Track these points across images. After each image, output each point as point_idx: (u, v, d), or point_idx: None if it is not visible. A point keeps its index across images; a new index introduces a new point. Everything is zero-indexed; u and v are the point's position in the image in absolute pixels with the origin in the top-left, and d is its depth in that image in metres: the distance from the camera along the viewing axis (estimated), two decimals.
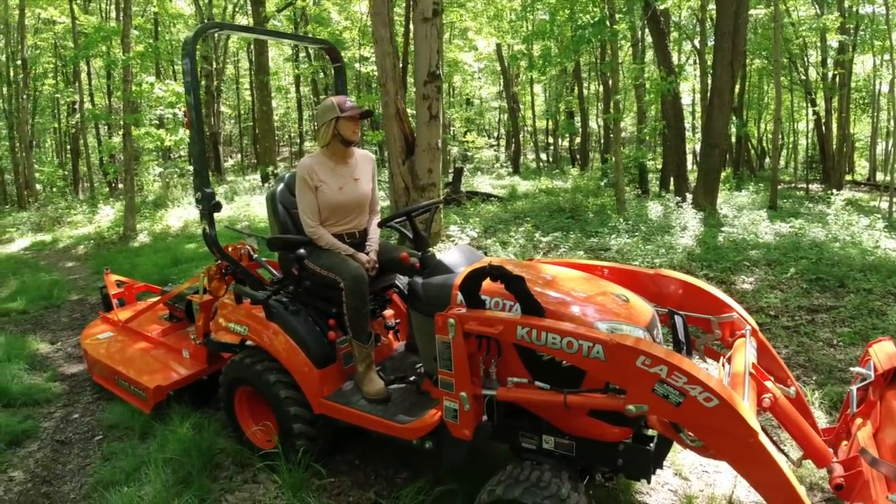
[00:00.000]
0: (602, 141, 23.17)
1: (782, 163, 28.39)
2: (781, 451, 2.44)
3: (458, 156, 23.07)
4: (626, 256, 7.08)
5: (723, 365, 2.60)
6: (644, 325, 2.41)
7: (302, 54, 23.98)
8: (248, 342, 3.45)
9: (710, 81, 11.90)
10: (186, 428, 3.57)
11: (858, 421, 2.68)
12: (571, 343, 2.13)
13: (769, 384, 2.48)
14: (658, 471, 3.13)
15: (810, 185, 18.55)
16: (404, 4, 14.21)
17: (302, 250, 3.17)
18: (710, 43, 13.39)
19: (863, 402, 2.74)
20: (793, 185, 20.69)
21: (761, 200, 12.82)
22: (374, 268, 3.24)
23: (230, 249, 3.87)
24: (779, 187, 17.85)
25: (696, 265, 6.79)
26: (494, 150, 27.99)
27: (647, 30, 14.44)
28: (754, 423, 1.99)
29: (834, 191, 12.52)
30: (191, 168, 19.71)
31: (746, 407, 2.06)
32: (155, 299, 5.15)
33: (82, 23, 17.90)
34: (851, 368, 3.08)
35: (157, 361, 4.27)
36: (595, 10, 11.55)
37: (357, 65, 21.07)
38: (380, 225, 3.30)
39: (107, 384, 4.49)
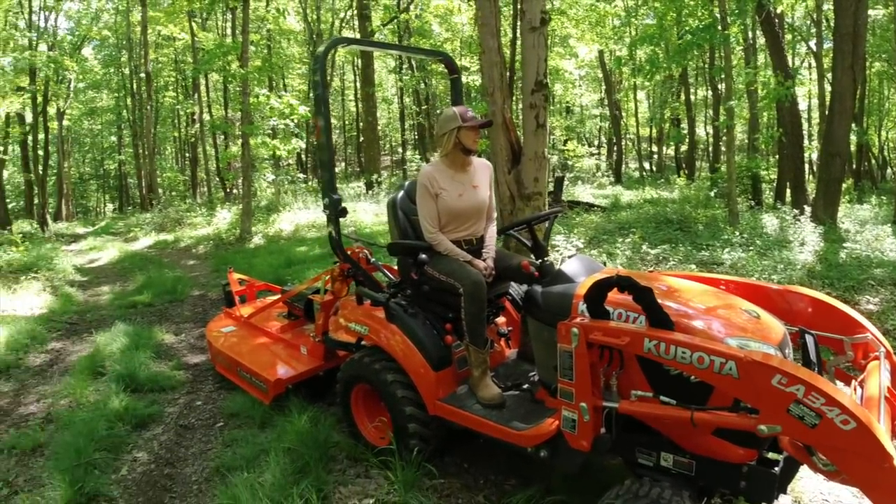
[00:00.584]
0: (710, 149, 22.19)
1: None
2: None
3: (557, 165, 22.83)
4: (740, 272, 6.76)
5: (855, 389, 2.45)
6: (776, 344, 2.31)
7: (405, 66, 24.59)
8: (365, 342, 3.60)
9: (828, 86, 11.15)
10: (304, 420, 3.74)
11: None
12: (702, 358, 2.07)
13: None
14: (780, 496, 2.98)
15: None
16: (511, 14, 14.28)
17: (423, 255, 3.28)
18: (827, 45, 12.53)
19: None
20: None
21: (884, 214, 11.84)
22: (491, 274, 3.29)
23: (349, 253, 4.05)
24: None
25: (817, 283, 6.37)
26: (595, 159, 27.45)
27: (759, 32, 13.71)
28: (890, 448, 1.87)
29: None
30: (300, 175, 20.79)
31: (882, 430, 1.93)
32: (274, 297, 5.46)
33: (200, 39, 19.33)
34: None
35: (277, 356, 4.52)
36: (704, 13, 11.11)
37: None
38: (500, 232, 3.35)
39: (229, 375, 4.79)
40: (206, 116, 23.86)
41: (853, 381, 2.56)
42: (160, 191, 24.20)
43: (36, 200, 23.39)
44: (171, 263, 11.43)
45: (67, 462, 3.56)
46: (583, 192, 16.97)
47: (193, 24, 20.47)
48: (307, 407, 4.00)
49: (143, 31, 20.75)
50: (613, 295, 2.44)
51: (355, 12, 21.10)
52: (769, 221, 9.61)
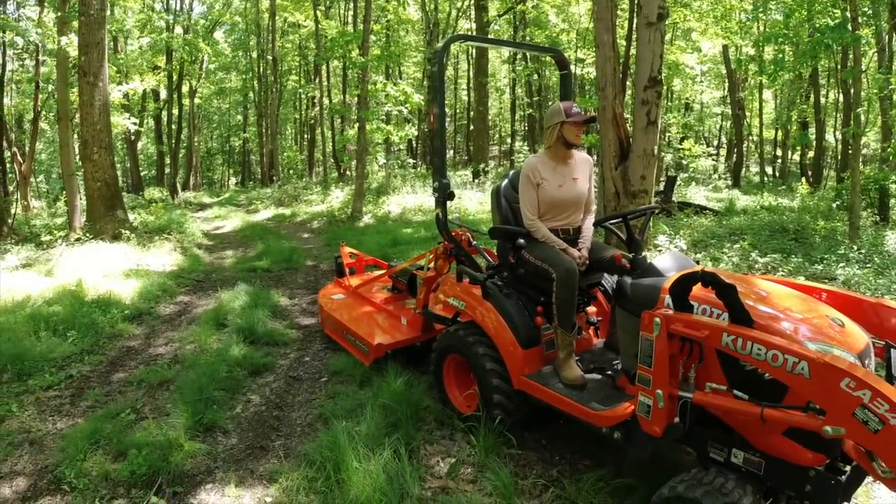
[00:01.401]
0: (839, 157, 20.65)
1: None
2: None
3: (671, 163, 22.09)
4: (853, 288, 6.44)
5: None
6: (856, 352, 2.35)
7: (519, 56, 24.62)
8: (461, 318, 3.89)
9: None
10: (399, 382, 4.10)
11: None
12: (776, 356, 2.17)
13: None
14: None
15: None
16: (627, 8, 14.00)
17: (521, 241, 3.51)
18: None
19: None
20: None
21: None
22: (585, 263, 3.46)
23: (453, 234, 4.35)
24: None
25: None
26: (713, 160, 26.25)
27: (895, 34, 12.63)
28: None
29: None
30: (409, 161, 21.44)
31: None
32: (381, 272, 5.89)
33: (324, 27, 20.33)
34: None
35: (380, 324, 4.93)
36: (836, 11, 10.42)
37: (573, 67, 21.16)
38: (596, 224, 3.51)
39: (336, 337, 5.27)
40: (326, 101, 25.10)
41: None
42: (280, 168, 25.79)
43: (167, 171, 25.67)
44: (287, 235, 12.31)
45: (191, 396, 4.11)
46: (696, 194, 16.39)
47: (318, 12, 21.56)
48: (402, 372, 4.34)
49: (271, 17, 22.10)
50: (699, 291, 2.55)
51: (472, 2, 21.37)
52: (893, 239, 8.96)
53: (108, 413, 4.04)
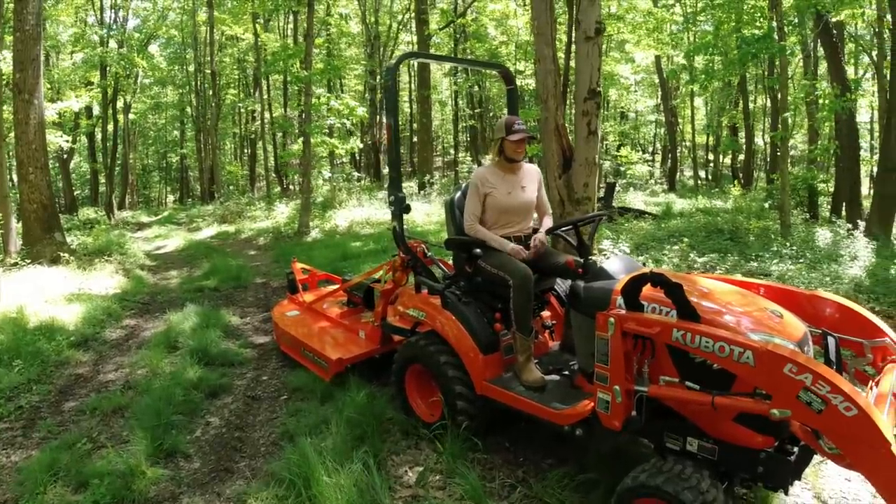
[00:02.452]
0: (768, 159, 21.78)
1: None
2: None
3: (610, 171, 22.80)
4: (787, 283, 6.83)
5: (871, 388, 2.65)
6: (795, 341, 2.55)
7: (460, 69, 24.97)
8: (420, 329, 3.96)
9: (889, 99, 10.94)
10: (362, 395, 4.12)
11: None
12: (723, 347, 2.34)
13: None
14: (798, 491, 3.19)
15: None
16: (566, 21, 14.45)
17: (477, 250, 3.62)
18: (888, 57, 12.23)
19: None
20: None
21: None
22: (538, 250, 3.61)
23: (410, 247, 4.41)
24: None
25: (863, 298, 6.39)
26: (649, 166, 27.22)
27: (819, 42, 13.50)
28: (890, 436, 2.08)
29: None
30: (354, 174, 21.38)
31: (884, 420, 2.15)
32: (335, 287, 5.90)
33: (264, 40, 20.15)
34: None
35: (338, 339, 4.94)
36: (762, 21, 11.06)
37: None
38: (547, 232, 3.66)
39: (293, 354, 5.24)
40: (267, 115, 24.80)
41: (870, 382, 2.77)
42: (221, 184, 25.25)
43: (102, 189, 24.74)
44: (233, 253, 12.09)
45: (148, 422, 4.03)
46: (635, 199, 16.98)
47: (257, 25, 21.36)
48: (364, 385, 4.37)
49: (209, 30, 21.74)
50: (649, 291, 2.71)
51: (413, 15, 21.59)
52: (822, 235, 9.52)
53: (64, 443, 3.92)
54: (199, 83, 26.66)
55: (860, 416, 2.12)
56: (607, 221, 11.41)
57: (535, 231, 3.89)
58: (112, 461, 3.56)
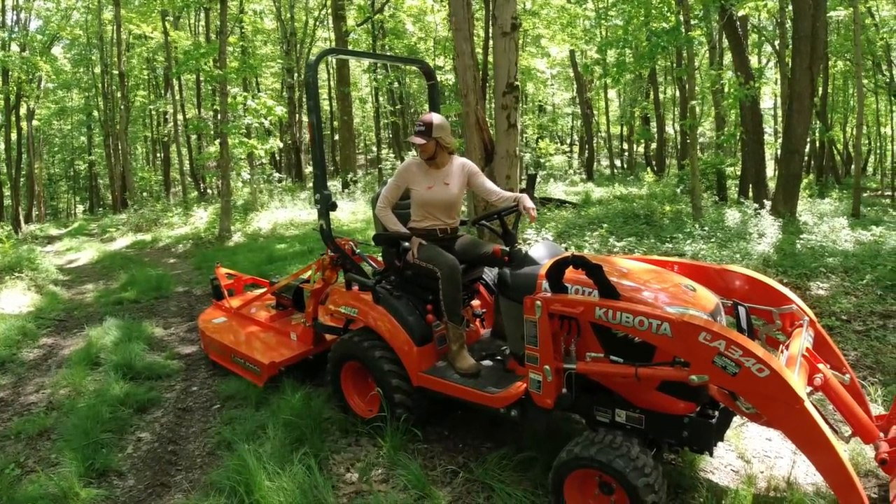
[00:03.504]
0: (679, 147, 22.88)
1: (870, 170, 27.06)
2: (831, 426, 2.69)
3: (530, 162, 23.33)
4: (700, 261, 7.21)
5: (781, 351, 2.88)
6: (708, 312, 2.73)
7: (379, 65, 24.85)
8: (352, 326, 3.96)
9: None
10: (298, 397, 4.07)
11: None
12: (643, 321, 2.49)
13: (821, 367, 2.74)
14: (723, 453, 3.41)
15: None
16: (484, 17, 14.66)
17: (405, 244, 3.65)
18: (790, 46, 13.11)
19: None
20: (879, 192, 19.79)
21: (844, 208, 12.47)
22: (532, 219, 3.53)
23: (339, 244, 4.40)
24: (865, 195, 17.24)
25: (772, 271, 6.85)
26: (567, 157, 28.03)
27: (724, 34, 14.32)
28: (801, 392, 2.28)
29: None
30: (275, 175, 20.93)
31: (795, 378, 2.35)
32: (262, 290, 5.78)
33: (174, 38, 19.38)
34: None
35: (268, 342, 4.85)
36: (670, 16, 11.62)
37: None
38: (472, 223, 3.74)
39: (222, 361, 5.10)
40: (179, 116, 23.85)
41: (781, 346, 3.00)
42: (133, 191, 24.12)
43: (7, 202, 23.16)
44: (151, 262, 11.59)
45: (77, 442, 3.85)
46: (555, 190, 17.45)
47: (166, 23, 20.50)
48: (299, 387, 4.31)
49: (116, 30, 20.68)
50: (572, 273, 2.84)
51: (330, 12, 21.32)
52: (731, 215, 10.12)
53: None
54: (106, 85, 25.31)
55: (772, 375, 2.30)
56: None
57: (464, 223, 3.98)
58: (43, 485, 3.40)
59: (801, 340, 2.84)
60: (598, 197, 15.26)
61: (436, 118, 3.74)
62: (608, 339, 2.78)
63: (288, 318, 5.23)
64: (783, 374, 2.31)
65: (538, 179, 17.37)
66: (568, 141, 34.19)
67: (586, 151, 25.42)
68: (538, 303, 2.72)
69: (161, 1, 17.53)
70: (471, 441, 3.67)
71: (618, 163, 28.12)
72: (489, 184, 3.91)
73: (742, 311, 3.03)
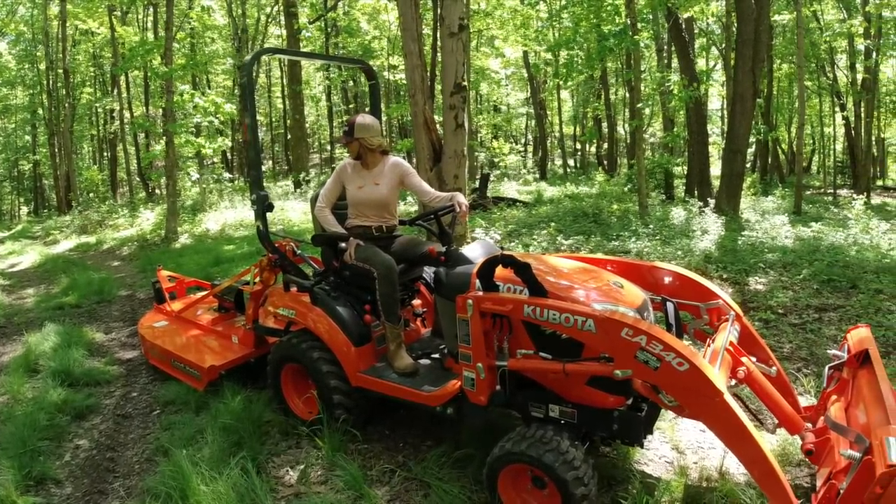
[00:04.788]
0: (629, 147, 23.38)
1: (814, 168, 28.16)
2: (756, 417, 2.80)
3: (485, 162, 23.50)
4: (644, 258, 7.37)
5: (708, 345, 2.98)
6: (635, 308, 2.81)
7: (332, 63, 24.63)
8: (293, 328, 3.93)
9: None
10: (238, 401, 4.03)
11: (833, 397, 3.03)
12: (568, 318, 2.55)
13: (745, 360, 2.84)
14: (657, 445, 3.51)
15: (839, 191, 18.48)
16: (433, 19, 14.69)
17: (342, 244, 3.64)
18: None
19: (839, 382, 3.08)
20: (822, 190, 20.60)
21: (787, 206, 12.93)
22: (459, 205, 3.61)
23: (277, 245, 4.35)
24: (808, 193, 17.98)
25: (713, 267, 7.04)
26: (521, 156, 28.32)
27: (670, 36, 14.72)
28: (721, 385, 2.37)
29: (854, 195, 12.57)
30: (225, 174, 20.55)
31: (714, 372, 2.44)
32: (204, 293, 5.68)
33: (121, 34, 18.83)
34: (828, 351, 3.41)
35: (209, 346, 4.78)
36: (619, 19, 11.86)
37: (386, 73, 21.66)
38: (409, 223, 3.76)
39: (162, 366, 5.00)
40: (127, 114, 23.16)
41: (708, 339, 3.10)
42: (79, 192, 23.34)
43: None
44: (95, 265, 11.25)
45: (13, 450, 3.74)
46: (508, 189, 17.62)
47: (113, 18, 19.89)
48: (240, 390, 4.26)
49: (61, 26, 19.97)
50: (504, 273, 2.88)
51: (282, 9, 21.03)
52: (677, 213, 10.38)
53: None
54: (51, 82, 24.39)
55: (692, 369, 2.38)
56: (482, 211, 11.79)
57: (403, 223, 4.00)
58: None
59: (726, 334, 2.94)
60: (550, 196, 15.47)
61: (360, 119, 3.76)
62: (538, 336, 2.83)
63: (231, 321, 5.15)
64: (702, 367, 2.39)
65: (492, 179, 17.51)
66: (522, 140, 34.54)
67: (540, 151, 25.74)
68: (469, 301, 2.76)
69: None
70: (411, 440, 3.69)
71: (571, 162, 28.56)
72: (424, 185, 3.93)
73: (670, 306, 3.12)
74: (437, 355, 3.52)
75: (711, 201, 10.76)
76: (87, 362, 5.43)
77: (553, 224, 9.38)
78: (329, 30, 23.00)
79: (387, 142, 3.87)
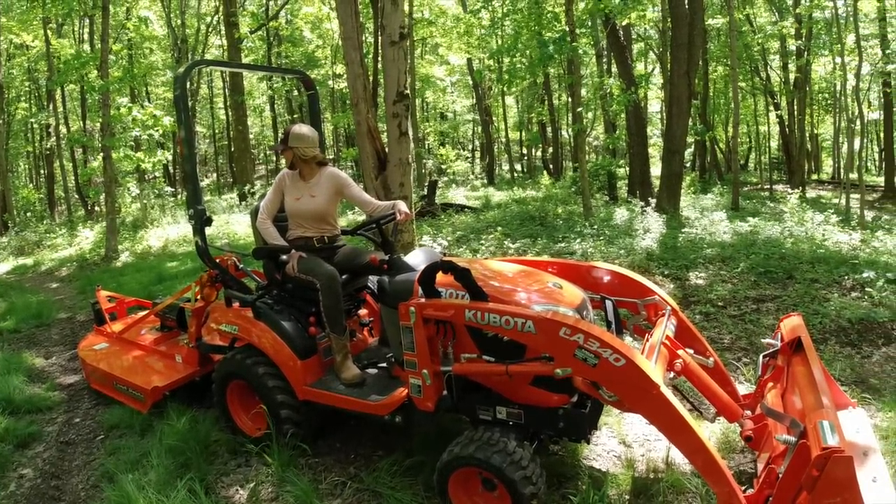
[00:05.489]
0: (573, 150, 23.82)
1: (751, 165, 29.28)
2: (695, 407, 2.90)
3: (433, 169, 23.58)
4: (589, 258, 7.52)
5: (647, 340, 3.07)
6: (574, 307, 2.88)
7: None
8: (237, 343, 3.87)
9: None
10: (183, 421, 3.94)
11: (770, 385, 3.16)
12: (508, 321, 2.59)
13: (682, 352, 2.94)
14: (605, 440, 3.59)
15: (776, 186, 19.25)
16: (374, 28, 14.69)
17: (284, 257, 3.61)
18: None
19: (775, 369, 3.22)
20: (759, 186, 21.41)
21: (725, 202, 13.37)
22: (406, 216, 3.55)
23: (218, 261, 4.28)
24: (745, 189, 18.66)
25: (654, 264, 7.23)
26: (468, 162, 28.54)
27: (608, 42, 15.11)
28: (657, 378, 2.45)
29: (789, 189, 13.11)
30: (167, 189, 20.02)
31: (651, 365, 2.52)
32: (145, 312, 5.52)
33: (56, 47, 18.16)
34: (763, 339, 3.56)
35: (152, 366, 4.65)
36: (559, 25, 12.11)
37: (331, 82, 21.52)
38: (351, 233, 3.75)
39: (105, 390, 4.84)
40: (63, 129, 22.30)
41: (646, 335, 3.20)
42: (15, 211, 22.32)
43: None
44: (33, 288, 10.80)
45: None
46: (457, 195, 17.72)
47: (48, 31, 19.16)
48: (185, 410, 4.17)
49: None
50: (445, 278, 2.91)
51: (222, 18, 20.67)
52: (620, 214, 10.63)
53: None
54: None
55: (628, 364, 2.46)
56: (431, 218, 11.83)
57: (345, 233, 3.98)
58: None
59: (663, 329, 3.04)
60: (498, 201, 15.63)
61: (297, 128, 3.74)
62: (482, 339, 2.87)
63: (174, 340, 5.02)
64: (638, 361, 2.47)
65: (439, 185, 17.59)
66: (469, 147, 34.81)
67: (487, 156, 26.00)
68: (412, 309, 2.78)
69: (42, 8, 16.38)
70: (362, 451, 3.68)
71: (518, 167, 28.94)
72: (363, 195, 3.92)
73: (609, 304, 3.21)
74: (384, 364, 3.51)
75: (653, 201, 11.06)
76: (27, 388, 5.25)
77: (500, 228, 9.49)
78: (271, 39, 22.73)
79: (322, 154, 3.84)
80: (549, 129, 24.69)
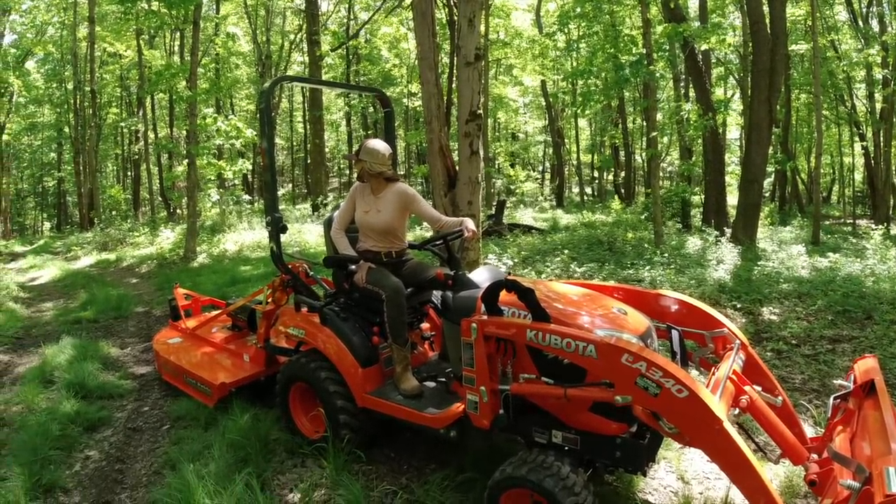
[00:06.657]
0: (646, 175, 23.37)
1: (834, 198, 27.89)
2: (760, 447, 2.78)
3: (501, 188, 23.62)
4: (657, 287, 7.34)
5: (712, 373, 2.98)
6: (639, 334, 2.83)
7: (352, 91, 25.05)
8: (303, 348, 4.00)
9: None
10: (246, 418, 4.08)
11: (839, 428, 3.00)
12: (570, 343, 2.57)
13: (749, 389, 2.84)
14: (663, 475, 3.49)
15: (859, 221, 18.29)
16: (450, 49, 14.94)
17: (353, 267, 3.71)
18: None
19: (846, 412, 3.06)
20: (841, 220, 20.37)
21: (805, 236, 12.81)
22: (474, 233, 3.60)
23: (290, 266, 4.44)
24: (827, 223, 17.81)
25: (726, 297, 7.00)
26: (538, 183, 28.43)
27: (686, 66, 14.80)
28: (720, 413, 2.37)
29: (872, 224, 12.42)
30: (245, 197, 20.87)
31: (715, 400, 2.44)
32: (218, 312, 5.77)
33: (147, 57, 19.34)
34: (835, 381, 3.39)
35: (221, 363, 4.85)
36: (636, 49, 11.97)
37: (406, 100, 22.01)
38: (418, 247, 3.82)
39: (175, 382, 5.08)
40: (151, 135, 23.68)
41: (713, 368, 3.10)
42: (101, 209, 23.81)
43: None
44: (114, 282, 11.45)
45: (25, 458, 3.83)
46: (524, 215, 17.67)
47: (141, 41, 20.49)
48: (249, 408, 4.32)
49: (90, 48, 20.58)
50: (508, 297, 2.92)
51: (304, 36, 21.53)
52: (693, 243, 10.34)
53: None
54: (78, 102, 25.07)
55: (691, 396, 2.39)
56: (498, 237, 11.85)
57: (413, 247, 4.07)
58: None
59: (730, 363, 2.94)
60: (566, 223, 15.49)
61: (371, 143, 3.83)
62: (542, 361, 2.86)
63: (243, 340, 5.23)
64: (702, 394, 2.40)
65: (508, 205, 17.61)
66: (540, 168, 34.69)
67: (557, 178, 25.84)
68: (473, 325, 2.80)
69: (135, 20, 17.57)
70: (416, 462, 3.71)
71: (588, 190, 28.61)
72: (432, 210, 3.96)
73: (675, 334, 3.13)
74: (443, 378, 3.55)
75: (728, 231, 10.70)
76: (101, 375, 5.54)
77: (567, 251, 9.40)
78: (350, 57, 23.46)
79: (392, 170, 3.91)
80: (621, 153, 24.34)
